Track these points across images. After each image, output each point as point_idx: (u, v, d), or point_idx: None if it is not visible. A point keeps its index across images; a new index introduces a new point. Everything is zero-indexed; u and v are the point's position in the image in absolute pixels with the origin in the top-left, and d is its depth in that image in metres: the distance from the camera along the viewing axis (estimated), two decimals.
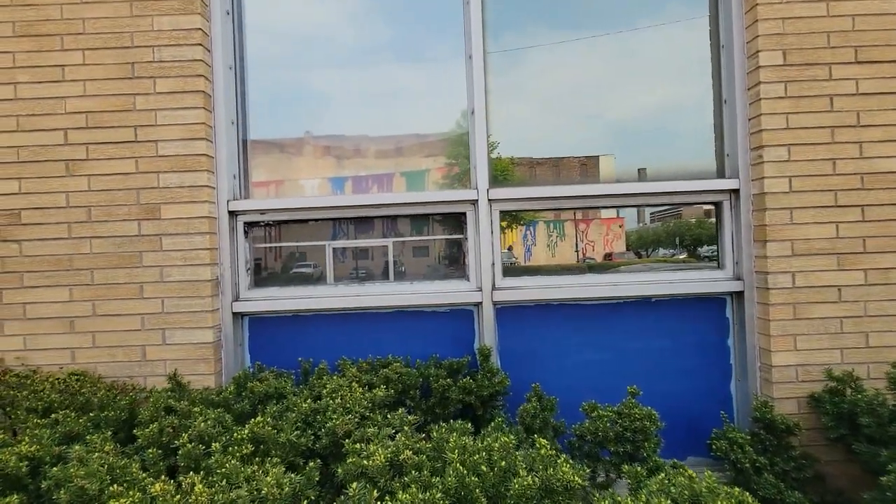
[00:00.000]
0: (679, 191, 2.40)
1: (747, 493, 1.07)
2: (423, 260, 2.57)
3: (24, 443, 1.41)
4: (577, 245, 2.61)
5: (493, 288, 2.37)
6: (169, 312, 2.25)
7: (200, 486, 1.10)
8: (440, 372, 2.12)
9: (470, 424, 1.53)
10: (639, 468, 1.25)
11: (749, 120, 2.33)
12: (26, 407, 1.80)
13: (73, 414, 1.64)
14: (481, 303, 2.37)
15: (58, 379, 2.05)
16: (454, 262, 2.50)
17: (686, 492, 1.06)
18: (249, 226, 2.45)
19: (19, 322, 2.24)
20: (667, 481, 1.09)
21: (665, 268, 2.56)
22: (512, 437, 1.28)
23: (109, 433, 1.53)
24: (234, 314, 2.37)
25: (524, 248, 2.57)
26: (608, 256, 2.65)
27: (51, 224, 2.24)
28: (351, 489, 1.13)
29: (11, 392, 1.89)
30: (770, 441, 2.10)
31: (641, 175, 2.50)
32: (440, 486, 1.09)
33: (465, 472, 1.12)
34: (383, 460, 1.19)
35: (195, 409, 1.65)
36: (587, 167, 2.54)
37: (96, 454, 1.33)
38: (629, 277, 2.45)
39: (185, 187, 2.24)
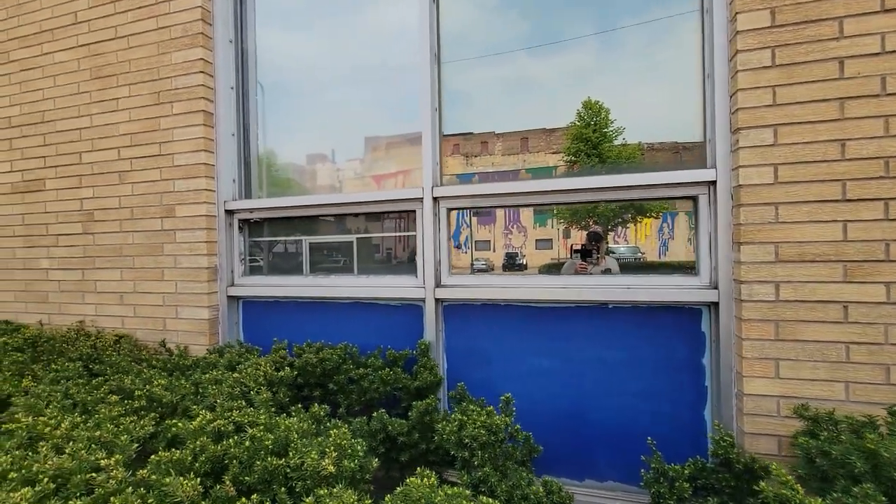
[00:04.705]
0: (642, 184, 2.11)
1: None
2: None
3: (26, 378, 1.97)
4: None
5: (437, 285, 2.39)
6: (180, 293, 2.77)
7: (67, 421, 1.45)
8: (371, 361, 2.24)
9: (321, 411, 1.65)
10: (427, 479, 1.22)
11: (729, 97, 1.94)
12: (68, 356, 2.44)
13: (78, 363, 2.19)
14: (425, 298, 2.41)
15: (99, 338, 2.71)
16: None
17: None
18: (244, 222, 2.86)
19: (93, 294, 2.99)
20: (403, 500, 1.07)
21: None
22: (301, 421, 1.36)
23: (83, 379, 2.02)
24: (230, 297, 2.81)
25: (659, 243, 2.29)
26: None
27: (110, 221, 2.93)
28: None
29: (65, 346, 2.57)
30: (727, 481, 1.77)
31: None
32: (209, 452, 1.25)
33: (232, 444, 1.26)
34: (197, 426, 1.40)
35: (145, 370, 2.07)
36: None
37: (57, 388, 1.81)
38: (585, 280, 2.24)
39: (191, 191, 2.73)
